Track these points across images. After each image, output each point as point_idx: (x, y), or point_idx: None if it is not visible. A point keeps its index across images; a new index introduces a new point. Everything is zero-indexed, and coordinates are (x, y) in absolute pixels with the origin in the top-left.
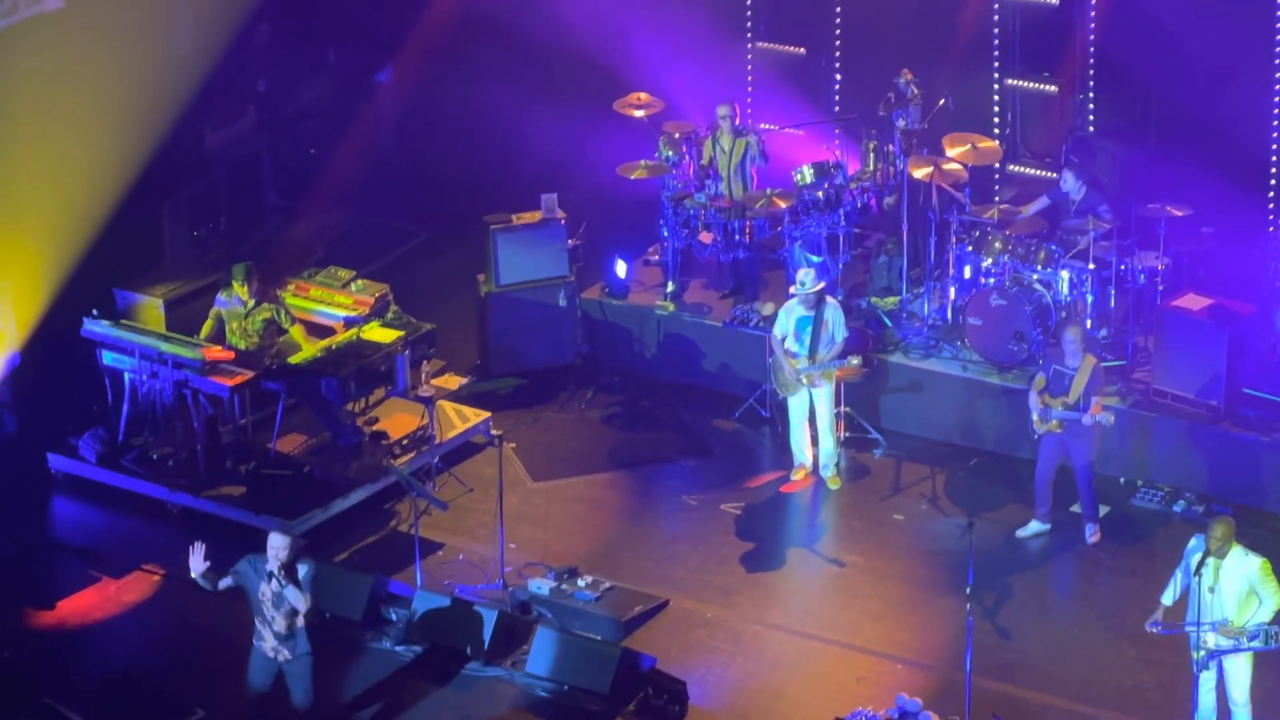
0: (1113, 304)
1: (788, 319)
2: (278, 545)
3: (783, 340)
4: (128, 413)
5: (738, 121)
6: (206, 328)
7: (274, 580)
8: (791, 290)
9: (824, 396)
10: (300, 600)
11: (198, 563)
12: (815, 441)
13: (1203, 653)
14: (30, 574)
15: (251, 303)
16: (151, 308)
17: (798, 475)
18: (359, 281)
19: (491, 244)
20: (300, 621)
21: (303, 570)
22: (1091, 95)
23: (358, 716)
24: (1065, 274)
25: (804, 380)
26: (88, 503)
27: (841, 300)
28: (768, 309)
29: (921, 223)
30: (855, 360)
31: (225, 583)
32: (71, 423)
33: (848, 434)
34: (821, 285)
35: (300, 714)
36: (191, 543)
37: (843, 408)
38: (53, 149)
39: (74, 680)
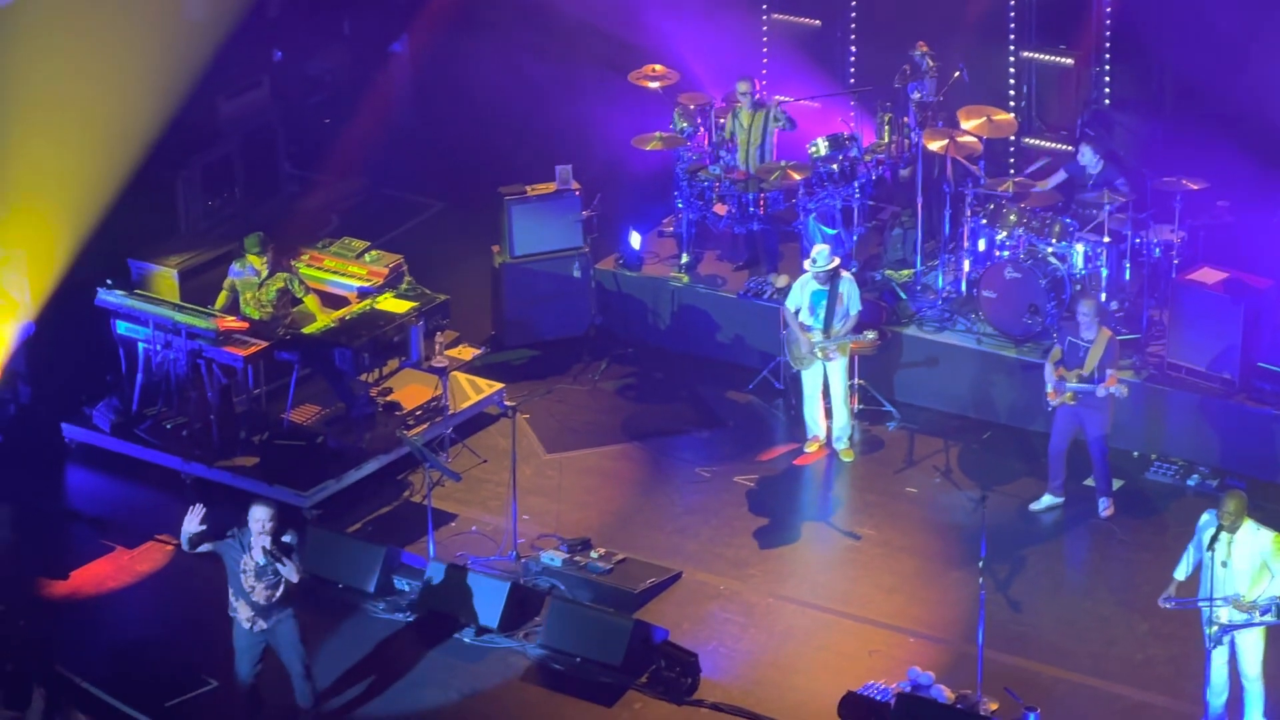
0: (1128, 277)
1: (802, 292)
2: (261, 517)
3: (796, 313)
4: (142, 382)
5: (757, 97)
6: (221, 298)
7: (266, 554)
8: (805, 266)
9: (838, 369)
10: (293, 573)
11: (192, 523)
12: (829, 414)
13: (1215, 628)
14: (44, 543)
15: (265, 272)
16: (166, 277)
17: (811, 448)
18: (373, 252)
19: (506, 215)
20: (282, 591)
21: (289, 539)
22: (1108, 68)
23: (368, 686)
24: (1080, 247)
25: (818, 353)
26: (102, 472)
27: (856, 272)
28: (782, 281)
29: (936, 195)
30: (871, 334)
31: (204, 548)
32: (86, 392)
33: (861, 406)
34: (836, 262)
35: (299, 678)
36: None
37: (856, 380)
38: (67, 118)
39: (87, 649)
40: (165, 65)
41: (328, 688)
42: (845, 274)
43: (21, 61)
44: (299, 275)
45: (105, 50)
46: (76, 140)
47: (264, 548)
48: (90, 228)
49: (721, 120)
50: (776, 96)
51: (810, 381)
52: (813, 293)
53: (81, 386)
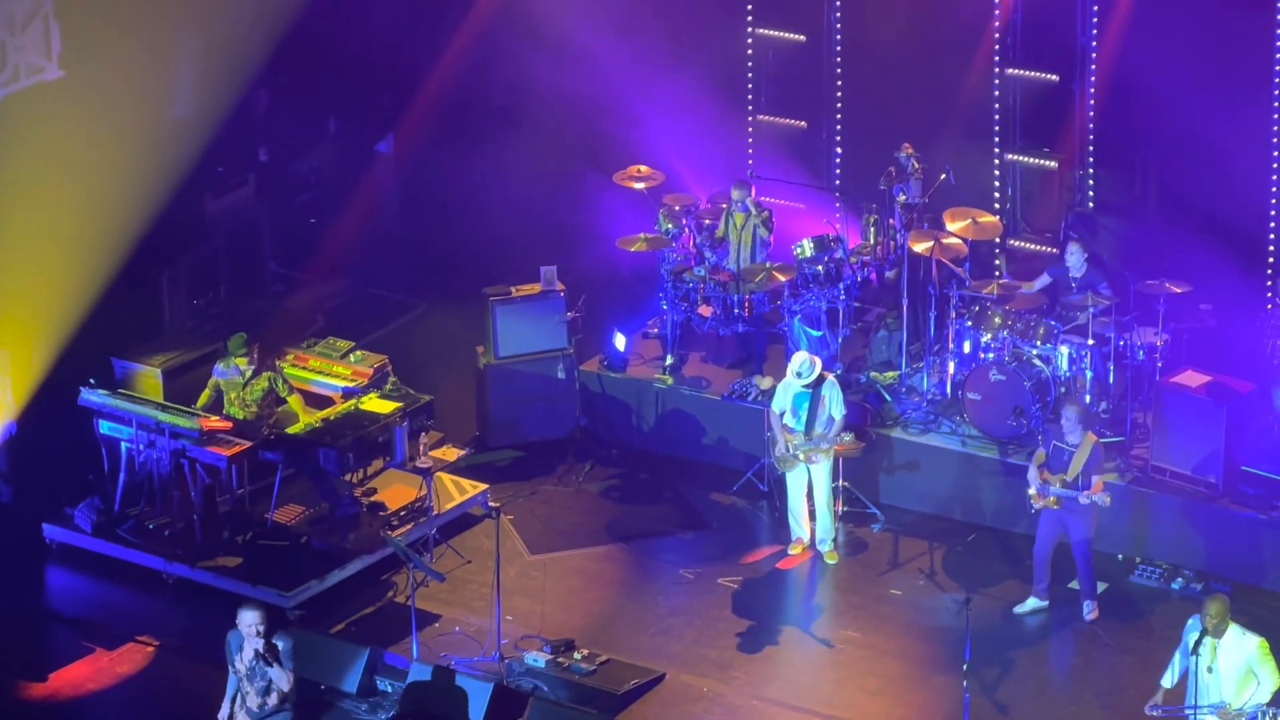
0: (1112, 379)
1: (785, 395)
2: (252, 620)
3: (781, 416)
4: (124, 482)
5: (750, 201)
6: (204, 397)
7: (259, 658)
8: (788, 378)
9: (822, 472)
10: (284, 679)
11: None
12: (813, 516)
13: None
14: (24, 644)
15: (249, 372)
16: (149, 377)
17: (795, 550)
18: (358, 352)
19: (490, 316)
20: (274, 699)
21: (282, 646)
22: (1091, 171)
23: None
24: (1065, 349)
25: (800, 455)
26: (83, 573)
27: (840, 374)
28: (766, 383)
29: (921, 297)
30: (848, 437)
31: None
32: (67, 492)
33: (846, 508)
34: (818, 370)
35: None
36: (186, 613)
37: (841, 482)
38: (52, 216)
39: None
40: (151, 162)
41: None
42: (829, 377)
43: (6, 158)
44: (283, 375)
45: (91, 147)
46: (61, 237)
47: (256, 650)
48: (74, 326)
49: (708, 220)
50: (762, 197)
51: (794, 484)
52: (795, 395)
53: (63, 486)
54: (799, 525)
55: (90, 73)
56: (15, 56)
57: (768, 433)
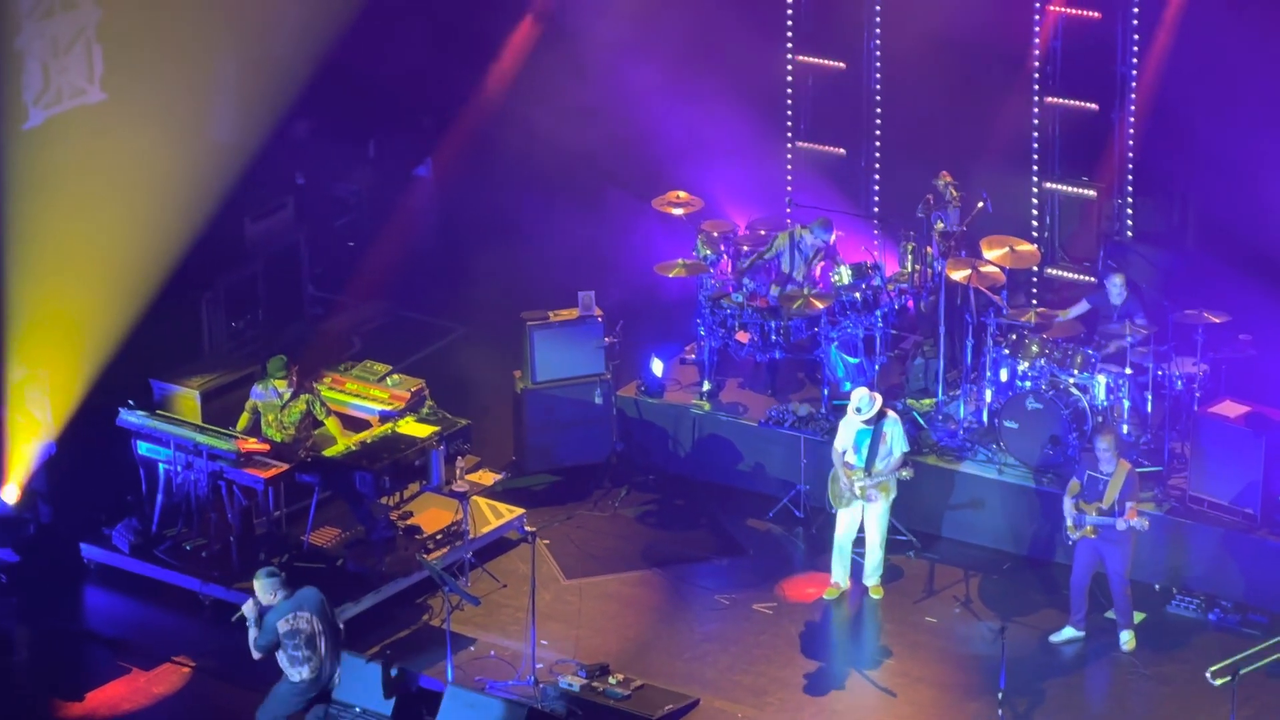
0: (1149, 409)
1: (847, 432)
2: (272, 585)
3: (843, 454)
4: (162, 503)
5: (828, 245)
6: (243, 420)
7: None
8: (849, 415)
9: (877, 512)
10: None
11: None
12: (859, 551)
13: None
14: (61, 663)
15: (288, 395)
16: (188, 399)
17: (832, 594)
18: (395, 376)
19: (528, 340)
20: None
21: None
22: (1130, 200)
23: None
24: (1102, 379)
25: (858, 492)
26: (120, 593)
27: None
28: (803, 410)
29: (958, 325)
30: (906, 472)
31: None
32: (105, 513)
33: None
34: (879, 405)
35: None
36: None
37: None
38: (93, 238)
39: None
40: (191, 185)
41: None
42: (890, 414)
43: (48, 180)
44: (321, 398)
45: (132, 169)
46: (101, 258)
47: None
48: (113, 347)
49: (745, 247)
50: (798, 226)
51: (845, 524)
52: (858, 431)
53: (101, 507)
54: (840, 570)
55: (132, 95)
56: (58, 79)
57: (804, 459)
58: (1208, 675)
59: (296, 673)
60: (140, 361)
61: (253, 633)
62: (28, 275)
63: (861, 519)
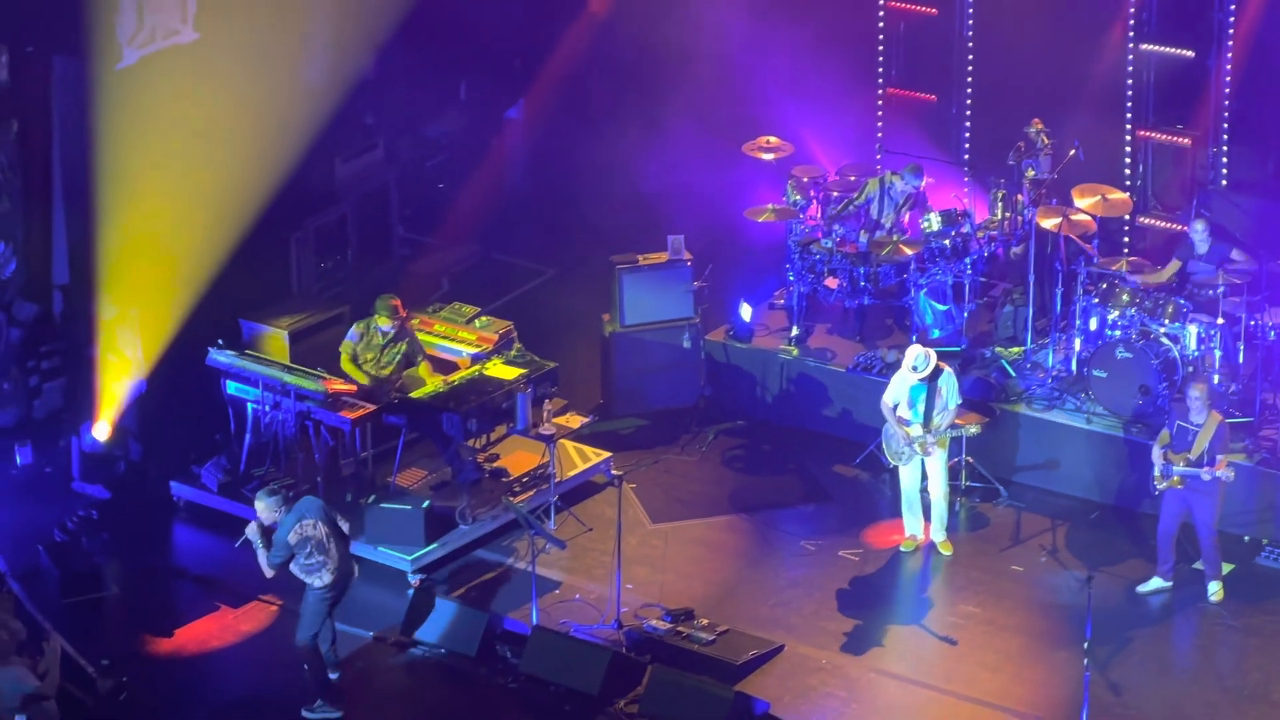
0: (1241, 360)
1: (900, 387)
2: (274, 504)
3: (894, 408)
4: (250, 443)
5: (919, 191)
6: (346, 360)
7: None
8: (904, 372)
9: (937, 464)
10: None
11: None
12: (927, 509)
13: None
14: (150, 600)
15: (392, 334)
16: (276, 339)
17: (908, 546)
18: (483, 318)
19: (617, 284)
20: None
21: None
22: (1224, 148)
23: None
24: (1193, 328)
25: (916, 448)
26: (209, 531)
27: (965, 349)
28: (891, 356)
29: (1048, 273)
30: (973, 429)
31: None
32: (195, 451)
33: (969, 484)
34: (933, 366)
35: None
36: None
37: (964, 457)
38: (184, 178)
39: (189, 707)
40: (283, 125)
41: None
42: (945, 368)
43: (141, 119)
44: (418, 341)
45: (224, 109)
46: (193, 198)
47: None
48: (204, 287)
49: (835, 193)
50: (888, 171)
51: (909, 479)
52: (912, 387)
53: (190, 445)
54: (913, 523)
55: (224, 35)
56: (151, 19)
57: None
58: None
59: (318, 579)
60: (230, 301)
61: (262, 554)
62: (120, 215)
63: (923, 474)
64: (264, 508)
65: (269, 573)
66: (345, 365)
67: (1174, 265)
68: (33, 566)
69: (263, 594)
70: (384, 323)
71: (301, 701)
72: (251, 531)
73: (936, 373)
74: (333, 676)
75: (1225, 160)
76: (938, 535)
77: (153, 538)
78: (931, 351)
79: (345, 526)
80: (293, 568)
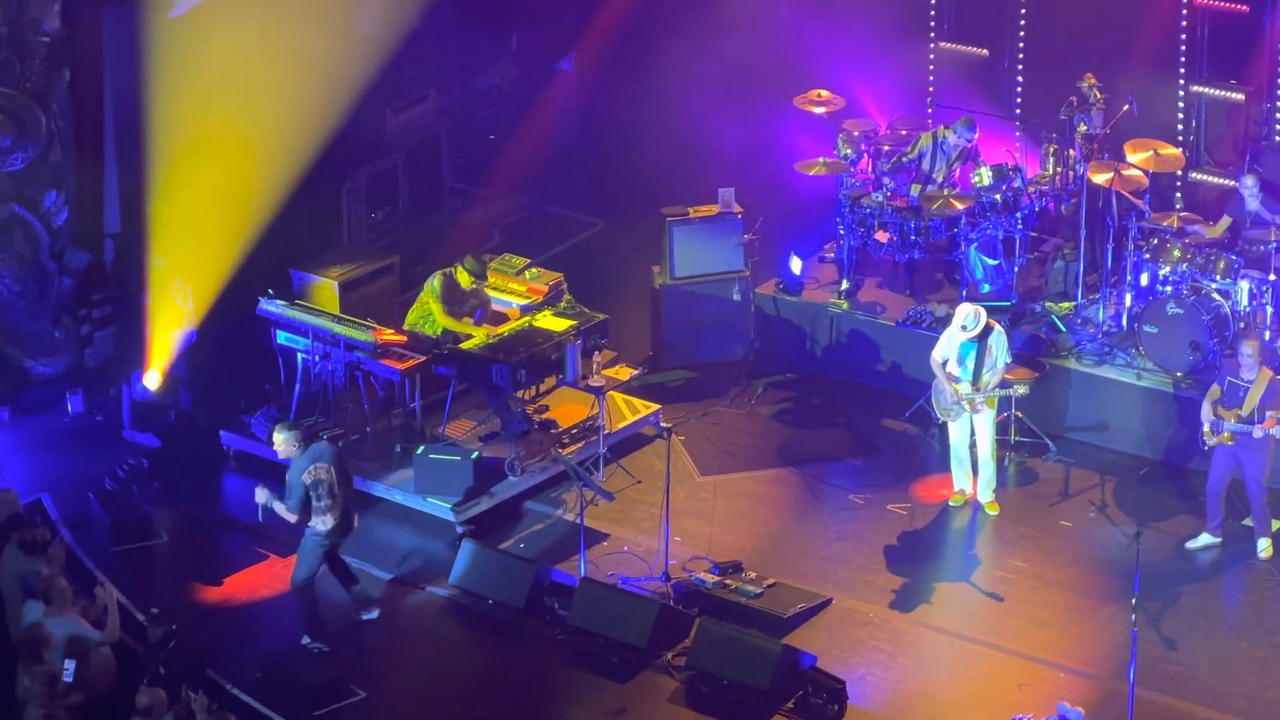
0: None
1: (949, 344)
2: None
3: (943, 364)
4: (300, 392)
5: (971, 145)
6: (438, 313)
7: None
8: (953, 329)
9: (985, 422)
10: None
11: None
12: (975, 466)
13: None
14: (200, 549)
15: (471, 291)
16: (327, 288)
17: (957, 501)
18: (533, 269)
19: (667, 236)
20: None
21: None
22: (1278, 104)
23: (515, 703)
24: (1245, 284)
25: (965, 405)
26: (259, 480)
27: (1015, 304)
28: (941, 310)
29: (1100, 228)
30: (1022, 389)
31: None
32: (245, 400)
33: (1018, 439)
34: (983, 325)
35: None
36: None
37: (1014, 412)
38: (235, 127)
39: (238, 655)
40: (335, 75)
41: (476, 705)
42: (996, 326)
43: (191, 70)
44: (488, 298)
45: (277, 59)
46: (245, 149)
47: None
48: (255, 237)
49: (887, 146)
50: (940, 126)
51: (957, 434)
52: (961, 345)
53: (240, 395)
54: (961, 477)
55: None
56: None
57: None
58: None
59: (321, 523)
60: (280, 251)
61: (278, 506)
62: (171, 164)
63: (972, 430)
64: (282, 440)
65: (292, 518)
66: (445, 320)
67: (1225, 221)
68: (83, 514)
69: None
70: (466, 283)
71: (347, 651)
72: (262, 496)
73: (987, 331)
74: (370, 616)
75: (1279, 116)
76: (984, 495)
77: (203, 487)
78: (982, 310)
79: (352, 475)
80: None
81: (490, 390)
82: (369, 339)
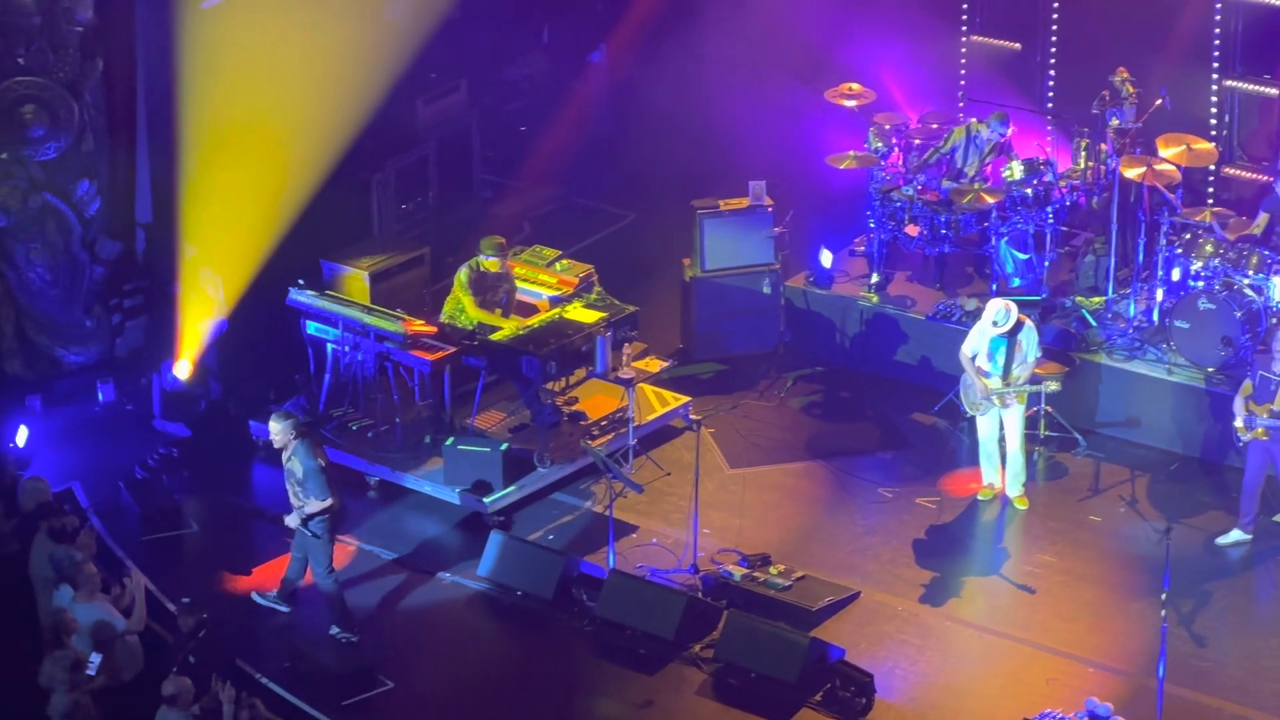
0: None
1: (980, 338)
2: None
3: (973, 359)
4: (329, 383)
5: (1004, 139)
6: (470, 305)
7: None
8: (984, 325)
9: (1015, 416)
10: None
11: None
12: (1004, 460)
13: None
14: (230, 538)
15: (500, 274)
16: (357, 279)
17: (986, 495)
18: (563, 261)
19: (698, 229)
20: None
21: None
22: None
23: (542, 693)
24: (1277, 280)
25: (995, 400)
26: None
27: (1045, 298)
28: (971, 304)
29: (1131, 223)
30: (1053, 386)
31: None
32: (274, 391)
33: (1047, 433)
34: (1014, 320)
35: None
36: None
37: (1044, 407)
38: (267, 118)
39: (266, 645)
40: (366, 66)
41: (504, 696)
42: (1026, 321)
43: (223, 61)
44: (514, 284)
45: (307, 49)
46: (275, 138)
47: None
48: (285, 227)
49: (918, 140)
50: (972, 120)
51: (986, 428)
52: (992, 339)
53: (270, 385)
54: (991, 469)
55: None
56: None
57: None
58: None
59: (321, 501)
60: (311, 241)
61: (310, 506)
62: (203, 154)
63: (1000, 425)
64: (279, 429)
65: (330, 502)
66: (476, 313)
67: (1264, 219)
68: (113, 503)
69: (339, 534)
70: (489, 266)
71: (377, 639)
72: (292, 521)
73: (1017, 326)
74: (284, 610)
75: None
76: (1013, 490)
77: (232, 475)
78: (1013, 305)
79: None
80: (300, 495)
81: (520, 382)
82: (399, 330)
